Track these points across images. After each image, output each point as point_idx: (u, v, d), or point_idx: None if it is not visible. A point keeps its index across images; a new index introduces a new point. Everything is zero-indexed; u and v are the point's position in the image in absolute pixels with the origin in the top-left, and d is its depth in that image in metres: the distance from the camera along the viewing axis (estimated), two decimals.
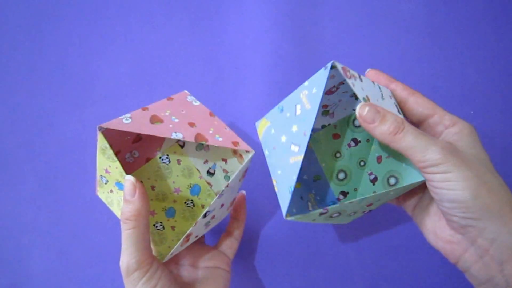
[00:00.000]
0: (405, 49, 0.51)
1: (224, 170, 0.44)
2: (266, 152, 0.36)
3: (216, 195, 0.44)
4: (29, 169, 0.49)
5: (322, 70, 0.31)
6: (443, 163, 0.28)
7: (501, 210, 0.27)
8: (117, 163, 0.33)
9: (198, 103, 0.40)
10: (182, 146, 0.45)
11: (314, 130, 0.42)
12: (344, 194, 0.42)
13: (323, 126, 0.43)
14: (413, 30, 0.51)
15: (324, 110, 0.42)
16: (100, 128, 0.33)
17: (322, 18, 0.52)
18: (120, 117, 0.34)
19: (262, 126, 0.37)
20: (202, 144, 0.45)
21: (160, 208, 0.44)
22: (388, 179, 0.39)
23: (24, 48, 0.52)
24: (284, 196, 0.32)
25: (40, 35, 0.52)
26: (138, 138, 0.43)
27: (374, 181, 0.41)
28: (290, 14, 0.51)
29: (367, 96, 0.31)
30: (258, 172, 0.47)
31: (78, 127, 0.50)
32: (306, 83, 0.33)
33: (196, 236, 0.38)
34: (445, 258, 0.32)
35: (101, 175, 0.37)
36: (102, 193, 0.39)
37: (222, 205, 0.38)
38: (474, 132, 0.31)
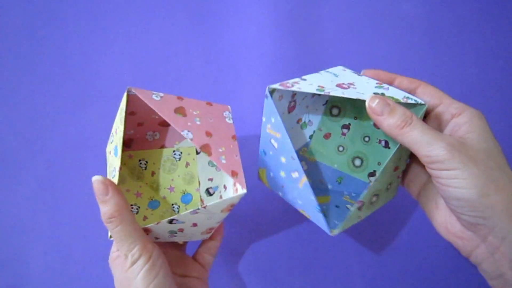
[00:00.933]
0: (405, 48, 0.51)
1: (220, 196, 0.42)
2: (280, 194, 0.38)
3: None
4: (29, 169, 0.49)
5: (265, 100, 0.33)
6: (448, 159, 0.27)
7: (510, 207, 0.27)
8: (122, 127, 0.33)
9: (230, 122, 0.39)
10: (198, 153, 0.44)
11: (305, 145, 0.44)
12: (372, 174, 0.43)
13: (311, 136, 0.44)
14: (413, 30, 0.52)
15: (302, 123, 0.43)
16: (129, 91, 0.34)
17: (321, 18, 0.52)
18: (152, 92, 0.34)
19: (263, 175, 0.40)
20: (215, 164, 0.44)
21: (148, 196, 0.44)
22: None
23: (24, 48, 0.52)
24: (318, 218, 0.34)
25: (40, 35, 0.52)
26: (166, 123, 0.43)
27: (386, 145, 0.42)
28: (290, 14, 0.52)
29: (319, 85, 0.33)
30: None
31: (78, 126, 0.50)
32: (263, 118, 0.35)
33: (157, 238, 0.37)
34: (445, 258, 0.35)
35: (112, 133, 0.37)
36: (107, 151, 0.39)
37: (195, 225, 0.35)
38: (484, 121, 0.30)
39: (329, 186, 0.43)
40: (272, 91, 0.33)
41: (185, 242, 0.43)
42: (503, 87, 0.50)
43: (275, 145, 0.35)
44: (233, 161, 0.35)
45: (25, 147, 0.49)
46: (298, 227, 0.47)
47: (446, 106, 0.32)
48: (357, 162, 0.43)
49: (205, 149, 0.33)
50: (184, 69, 0.51)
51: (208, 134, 0.35)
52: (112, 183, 0.32)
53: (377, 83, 0.34)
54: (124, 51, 0.52)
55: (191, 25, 0.52)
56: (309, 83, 0.34)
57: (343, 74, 0.36)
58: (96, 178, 0.31)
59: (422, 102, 0.31)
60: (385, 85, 0.34)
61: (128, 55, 0.52)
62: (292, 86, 0.33)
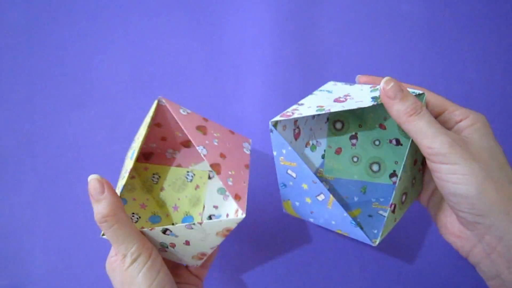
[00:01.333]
0: (405, 49, 0.51)
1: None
2: (311, 220, 0.39)
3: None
4: (29, 169, 0.49)
5: (271, 134, 0.35)
6: (450, 153, 0.28)
7: (509, 207, 0.27)
8: (144, 133, 0.35)
9: (248, 152, 0.40)
10: (210, 178, 0.45)
11: (320, 166, 0.45)
12: (393, 175, 0.43)
13: (323, 156, 0.45)
14: (413, 31, 0.52)
15: (311, 146, 0.44)
16: (160, 101, 0.36)
17: (321, 18, 0.53)
18: (180, 106, 0.37)
19: (289, 208, 0.40)
20: (225, 191, 0.44)
21: (151, 209, 0.44)
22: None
23: (24, 48, 0.52)
24: (356, 233, 0.35)
25: (39, 35, 0.53)
26: (187, 144, 0.45)
27: (398, 143, 0.42)
28: (290, 14, 0.53)
29: (318, 106, 0.34)
30: (259, 172, 0.47)
31: (78, 127, 0.51)
32: (274, 152, 0.36)
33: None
34: (445, 258, 0.35)
35: (134, 139, 0.39)
36: (126, 157, 0.41)
37: (187, 243, 0.35)
38: (487, 124, 0.31)
39: (356, 199, 0.43)
40: (275, 124, 0.35)
41: None
42: (503, 87, 0.50)
43: (293, 175, 0.36)
44: (240, 186, 0.36)
45: (25, 147, 0.50)
46: (298, 229, 0.47)
47: (450, 113, 0.33)
48: (375, 167, 0.43)
49: (215, 167, 0.34)
50: (184, 69, 0.52)
51: (222, 156, 0.36)
52: (108, 183, 0.31)
53: (371, 87, 0.35)
54: (124, 51, 0.52)
55: (191, 26, 0.53)
56: (307, 106, 0.35)
57: (336, 88, 0.38)
58: (92, 177, 0.31)
59: (421, 92, 0.32)
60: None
61: (128, 56, 0.52)
62: (293, 114, 0.34)
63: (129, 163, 0.36)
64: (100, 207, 0.30)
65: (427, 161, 0.30)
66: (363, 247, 0.47)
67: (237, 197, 0.34)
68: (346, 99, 0.34)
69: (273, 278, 0.47)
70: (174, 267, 0.39)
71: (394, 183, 0.43)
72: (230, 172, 0.35)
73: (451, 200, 0.29)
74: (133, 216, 0.42)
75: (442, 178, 0.29)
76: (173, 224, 0.44)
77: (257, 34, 0.53)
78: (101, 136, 0.51)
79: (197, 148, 0.34)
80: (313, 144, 0.44)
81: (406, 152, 0.32)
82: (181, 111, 0.36)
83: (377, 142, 0.44)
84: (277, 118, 0.34)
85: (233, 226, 0.34)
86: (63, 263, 0.47)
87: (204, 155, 0.34)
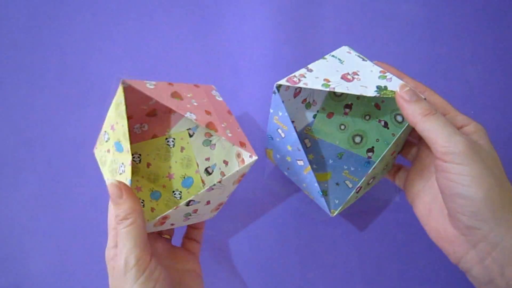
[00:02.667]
0: (405, 49, 0.51)
1: (222, 172, 0.43)
2: (285, 173, 0.41)
3: None
4: (29, 170, 0.48)
5: (273, 95, 0.36)
6: (464, 154, 0.28)
7: (509, 214, 0.27)
8: (125, 121, 0.33)
9: (220, 99, 0.40)
10: (191, 136, 0.45)
11: (309, 124, 0.46)
12: (370, 150, 0.46)
13: (315, 116, 0.47)
14: (413, 30, 0.52)
15: (306, 103, 0.45)
16: (123, 83, 0.34)
17: (321, 18, 0.53)
18: (144, 81, 0.35)
19: (270, 156, 0.43)
20: (210, 141, 0.45)
21: (147, 188, 0.44)
22: (395, 117, 0.43)
23: (23, 48, 0.52)
24: (320, 201, 0.37)
25: (38, 35, 0.52)
26: (153, 113, 0.43)
27: (386, 125, 0.45)
28: (290, 14, 0.52)
29: (325, 79, 0.35)
30: (256, 173, 0.48)
31: (78, 127, 0.49)
32: (271, 109, 0.37)
33: (172, 224, 0.37)
34: (445, 258, 0.33)
35: (105, 131, 0.37)
36: (99, 151, 0.38)
37: (208, 203, 0.37)
38: (487, 134, 0.32)
39: (330, 161, 0.46)
40: (278, 86, 0.35)
41: (171, 235, 0.43)
42: (503, 87, 0.50)
43: (282, 134, 0.37)
44: (237, 133, 0.37)
45: (24, 147, 0.49)
46: (298, 227, 0.47)
47: (452, 117, 0.33)
48: (357, 139, 0.46)
49: (210, 126, 0.34)
50: (184, 69, 0.51)
51: (208, 112, 0.36)
52: (127, 186, 0.32)
53: (380, 72, 0.36)
54: (123, 51, 0.51)
55: (191, 25, 0.52)
56: (315, 76, 0.35)
57: (348, 58, 0.38)
58: (111, 182, 0.32)
59: (423, 97, 0.33)
60: (389, 75, 0.35)
61: (127, 55, 0.51)
62: (299, 81, 0.34)
63: (120, 156, 0.35)
64: (120, 209, 0.31)
65: (437, 162, 0.30)
66: (363, 248, 0.47)
67: (242, 144, 0.35)
68: (353, 79, 0.35)
69: (271, 277, 0.47)
70: (170, 250, 0.40)
71: (369, 157, 0.46)
72: (223, 125, 0.36)
73: (455, 201, 0.29)
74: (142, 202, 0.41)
75: (451, 178, 0.29)
76: (173, 192, 0.44)
77: (257, 34, 0.52)
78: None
79: (186, 116, 0.33)
80: (309, 102, 0.45)
81: (388, 147, 0.34)
82: (147, 85, 0.34)
83: (367, 117, 0.46)
84: (283, 82, 0.34)
85: (247, 170, 0.36)
86: (63, 263, 0.46)
87: (196, 120, 0.34)
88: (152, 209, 0.42)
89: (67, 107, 0.50)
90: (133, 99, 0.38)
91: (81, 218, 0.47)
